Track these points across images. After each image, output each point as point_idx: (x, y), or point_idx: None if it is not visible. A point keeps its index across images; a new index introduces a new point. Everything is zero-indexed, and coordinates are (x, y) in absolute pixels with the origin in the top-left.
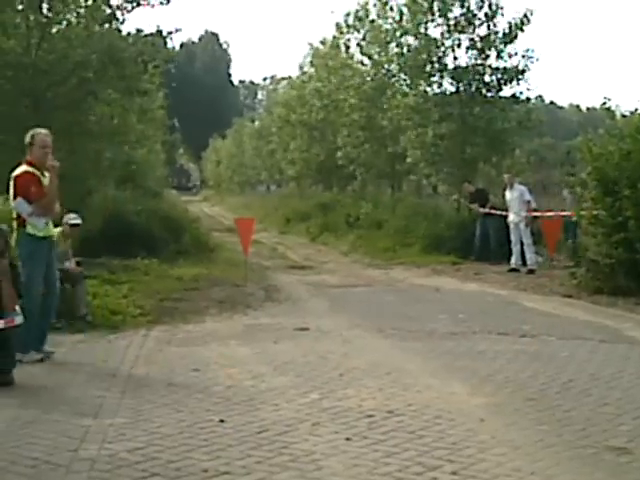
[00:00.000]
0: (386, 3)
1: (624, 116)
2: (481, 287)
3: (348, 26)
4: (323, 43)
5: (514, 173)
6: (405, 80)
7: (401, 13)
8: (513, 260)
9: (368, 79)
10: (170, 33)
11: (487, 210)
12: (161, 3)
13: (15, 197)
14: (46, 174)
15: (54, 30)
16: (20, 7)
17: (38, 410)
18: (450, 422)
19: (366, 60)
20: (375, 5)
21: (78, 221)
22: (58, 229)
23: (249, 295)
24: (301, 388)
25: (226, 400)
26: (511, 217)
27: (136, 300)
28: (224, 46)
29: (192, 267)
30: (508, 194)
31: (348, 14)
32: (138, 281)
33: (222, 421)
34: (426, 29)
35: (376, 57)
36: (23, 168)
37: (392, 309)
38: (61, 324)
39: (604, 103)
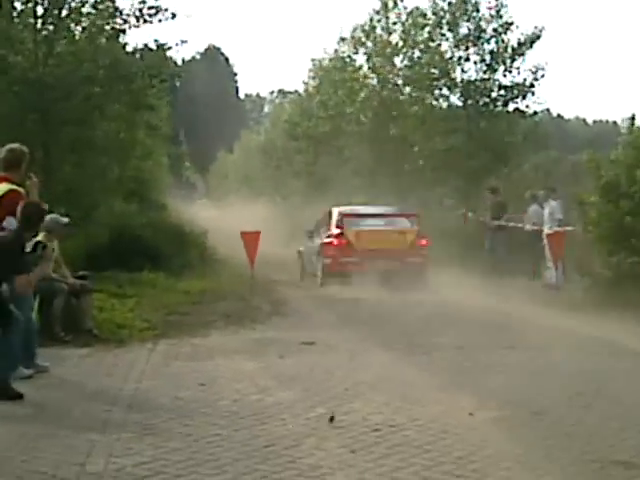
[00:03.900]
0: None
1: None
2: (487, 301)
3: (354, 39)
4: (331, 60)
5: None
6: (411, 94)
7: (405, 28)
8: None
9: (374, 93)
10: (176, 45)
11: (499, 223)
12: (167, 19)
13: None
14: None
15: (60, 45)
16: (30, 20)
17: (45, 424)
18: (456, 436)
19: (372, 74)
20: (380, 20)
21: (65, 219)
22: (41, 234)
23: (255, 309)
24: (307, 402)
25: (233, 414)
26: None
27: (142, 314)
28: (229, 60)
29: (198, 280)
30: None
31: (355, 28)
32: (145, 295)
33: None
34: (439, 45)
35: (383, 70)
36: (7, 187)
37: (397, 322)
38: (69, 337)
39: (632, 117)
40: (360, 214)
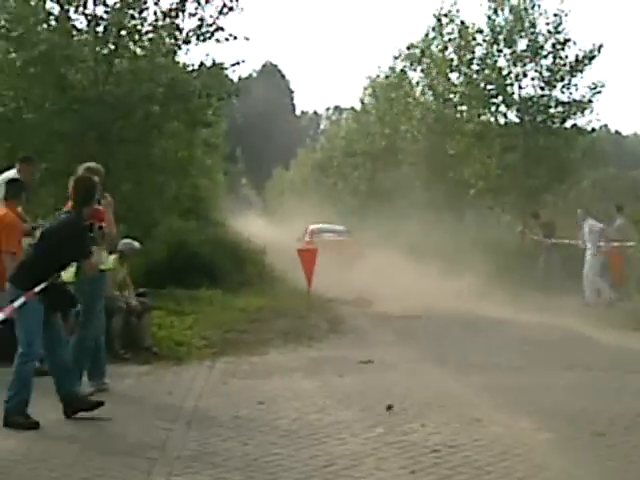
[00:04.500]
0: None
1: None
2: (546, 319)
3: (410, 56)
4: (387, 77)
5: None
6: (467, 110)
7: (460, 44)
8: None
9: (430, 111)
10: (232, 65)
11: (553, 241)
12: (226, 39)
13: None
14: None
15: (120, 63)
16: (89, 39)
17: (105, 442)
18: (517, 458)
19: (428, 90)
20: (435, 37)
21: (138, 244)
22: (113, 255)
23: (313, 326)
24: (366, 422)
25: (292, 433)
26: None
27: (201, 331)
28: (285, 76)
29: (256, 298)
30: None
31: (410, 46)
32: (203, 312)
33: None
34: (495, 61)
35: (439, 87)
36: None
37: (456, 341)
38: (128, 355)
39: None
40: (322, 231)
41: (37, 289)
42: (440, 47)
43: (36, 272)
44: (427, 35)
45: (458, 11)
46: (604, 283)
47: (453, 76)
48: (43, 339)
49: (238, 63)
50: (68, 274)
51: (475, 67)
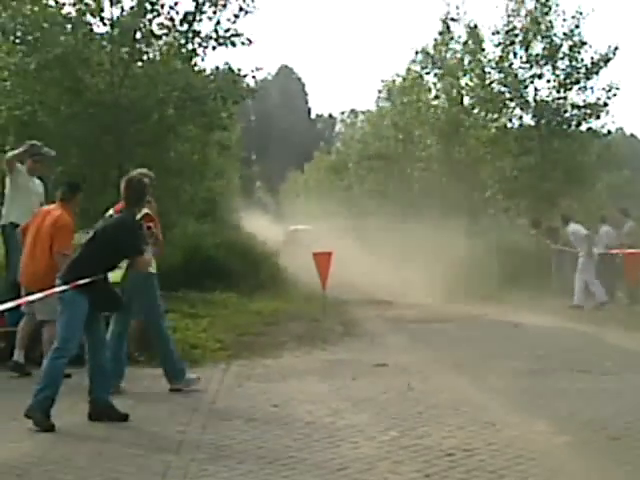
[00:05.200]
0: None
1: None
2: (560, 323)
3: (423, 60)
4: (404, 79)
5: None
6: (481, 114)
7: (473, 47)
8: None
9: (443, 115)
10: (252, 71)
11: (559, 247)
12: (242, 43)
13: None
14: None
15: (136, 67)
16: (105, 43)
17: (120, 444)
18: (531, 462)
19: (442, 94)
20: (443, 40)
21: None
22: None
23: (327, 330)
24: (380, 425)
25: (306, 437)
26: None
27: (215, 334)
28: (301, 80)
29: (270, 301)
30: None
31: (423, 50)
32: (217, 315)
33: None
34: (511, 64)
35: (453, 91)
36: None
37: (471, 345)
38: (142, 357)
39: None
40: (297, 230)
41: (80, 282)
42: (450, 51)
43: (85, 271)
44: (436, 39)
45: (465, 13)
46: (598, 286)
47: (466, 79)
48: (86, 341)
49: (256, 70)
50: (115, 274)
51: (488, 70)
